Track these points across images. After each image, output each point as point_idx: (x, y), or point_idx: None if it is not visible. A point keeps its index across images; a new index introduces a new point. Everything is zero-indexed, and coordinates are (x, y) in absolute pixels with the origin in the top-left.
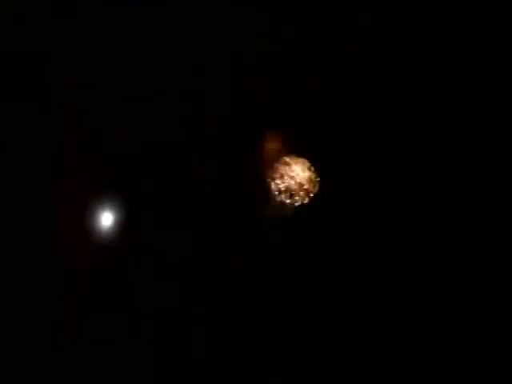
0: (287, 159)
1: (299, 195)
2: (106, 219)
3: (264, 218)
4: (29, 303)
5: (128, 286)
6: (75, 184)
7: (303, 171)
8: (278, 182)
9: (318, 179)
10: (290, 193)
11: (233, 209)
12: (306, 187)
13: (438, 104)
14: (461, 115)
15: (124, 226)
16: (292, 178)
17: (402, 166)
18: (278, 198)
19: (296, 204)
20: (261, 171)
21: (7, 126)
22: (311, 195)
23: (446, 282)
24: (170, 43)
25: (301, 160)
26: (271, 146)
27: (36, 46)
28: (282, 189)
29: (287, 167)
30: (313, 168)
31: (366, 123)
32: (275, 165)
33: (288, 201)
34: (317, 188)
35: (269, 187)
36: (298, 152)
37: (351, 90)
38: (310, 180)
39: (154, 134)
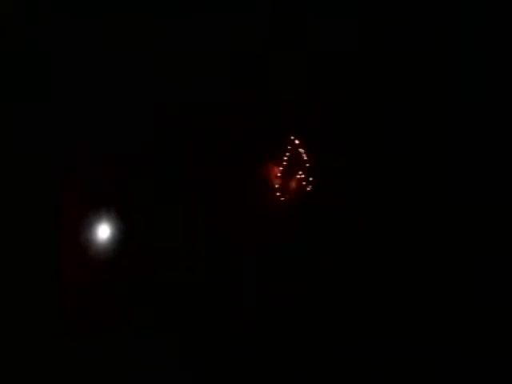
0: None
1: None
2: (107, 219)
3: (266, 218)
4: (28, 305)
5: (128, 285)
6: (75, 184)
7: None
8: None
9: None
10: None
11: (234, 209)
12: None
13: (436, 104)
14: (459, 115)
15: (124, 225)
16: None
17: (399, 164)
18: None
19: None
20: (262, 170)
21: (6, 125)
22: None
23: (444, 282)
24: (170, 43)
25: None
26: (271, 145)
27: (36, 46)
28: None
29: None
30: None
31: (366, 122)
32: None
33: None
34: None
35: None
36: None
37: (352, 90)
38: None
39: (154, 133)
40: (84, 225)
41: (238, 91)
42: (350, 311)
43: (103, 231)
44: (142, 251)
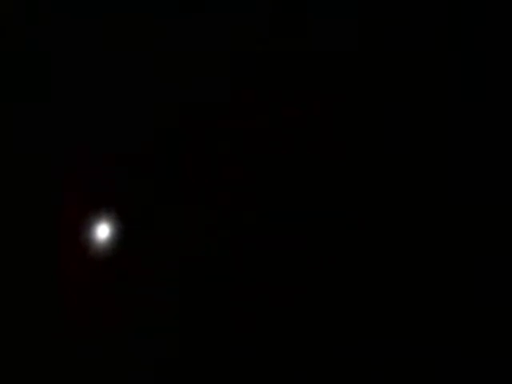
0: None
1: None
2: (107, 219)
3: (266, 218)
4: (28, 305)
5: (128, 285)
6: (75, 184)
7: None
8: None
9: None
10: None
11: (234, 209)
12: None
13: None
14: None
15: (124, 225)
16: None
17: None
18: None
19: None
20: (263, 170)
21: (6, 125)
22: None
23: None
24: (170, 43)
25: None
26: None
27: (36, 46)
28: None
29: None
30: None
31: (365, 122)
32: None
33: None
34: None
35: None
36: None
37: (352, 90)
38: None
39: (154, 134)
40: (84, 225)
41: (237, 91)
42: (351, 311)
43: (103, 231)
44: (142, 251)
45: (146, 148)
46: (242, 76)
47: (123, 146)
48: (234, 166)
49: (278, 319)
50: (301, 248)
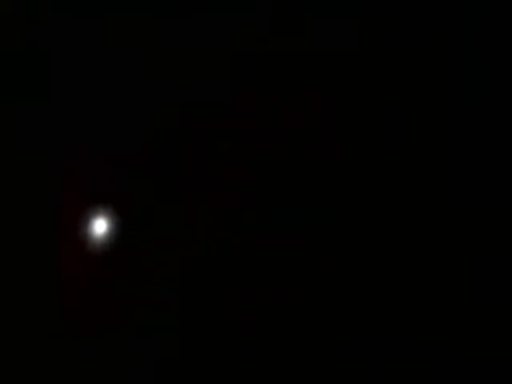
0: None
1: None
2: (107, 219)
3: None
4: (28, 305)
5: (128, 286)
6: (75, 184)
7: None
8: None
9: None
10: None
11: (233, 209)
12: None
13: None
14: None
15: (124, 225)
16: None
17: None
18: None
19: None
20: (263, 170)
21: (6, 125)
22: None
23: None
24: (170, 43)
25: None
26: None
27: (36, 46)
28: None
29: None
30: None
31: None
32: None
33: None
34: None
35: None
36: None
37: (352, 90)
38: None
39: (154, 134)
40: (84, 225)
41: (237, 91)
42: (351, 311)
43: (103, 231)
44: (143, 251)
45: (146, 148)
46: (242, 76)
47: (123, 145)
48: (234, 166)
49: (278, 319)
50: (301, 248)
